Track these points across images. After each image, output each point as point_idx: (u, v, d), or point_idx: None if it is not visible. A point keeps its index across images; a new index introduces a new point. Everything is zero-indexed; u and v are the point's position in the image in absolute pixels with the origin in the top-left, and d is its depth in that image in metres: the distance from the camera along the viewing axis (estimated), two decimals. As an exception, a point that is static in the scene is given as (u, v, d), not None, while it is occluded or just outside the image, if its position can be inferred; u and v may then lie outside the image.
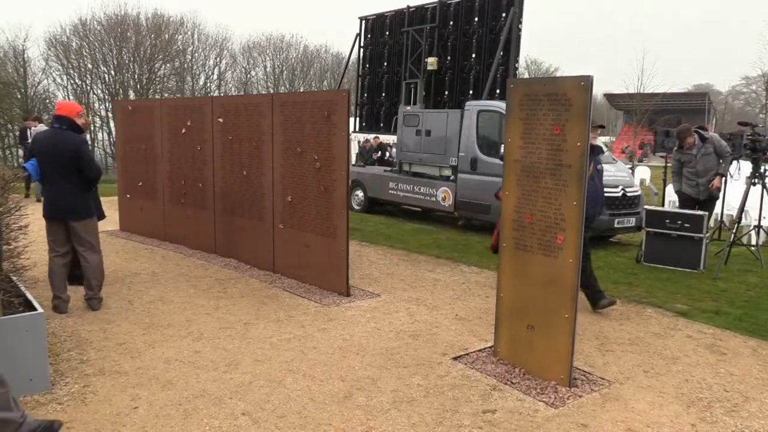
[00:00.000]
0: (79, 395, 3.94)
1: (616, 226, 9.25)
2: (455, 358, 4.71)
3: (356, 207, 13.36)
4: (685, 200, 8.46)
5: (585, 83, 3.90)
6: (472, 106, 10.68)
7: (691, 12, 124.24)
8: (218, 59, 44.91)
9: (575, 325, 4.10)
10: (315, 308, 5.96)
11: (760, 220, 8.39)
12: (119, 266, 7.51)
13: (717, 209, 8.93)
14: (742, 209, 8.09)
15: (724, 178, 8.30)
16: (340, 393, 4.05)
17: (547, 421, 3.70)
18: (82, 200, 5.56)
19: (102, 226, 8.53)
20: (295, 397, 3.96)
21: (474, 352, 4.83)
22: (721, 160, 8.13)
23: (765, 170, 7.99)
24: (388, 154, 17.33)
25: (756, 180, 7.90)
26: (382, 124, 14.54)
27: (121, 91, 37.67)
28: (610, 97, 56.04)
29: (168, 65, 40.80)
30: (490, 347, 4.83)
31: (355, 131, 15.21)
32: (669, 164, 9.50)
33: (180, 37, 42.22)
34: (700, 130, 8.33)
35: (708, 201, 8.28)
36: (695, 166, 8.21)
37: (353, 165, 14.46)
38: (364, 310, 5.90)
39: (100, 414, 3.69)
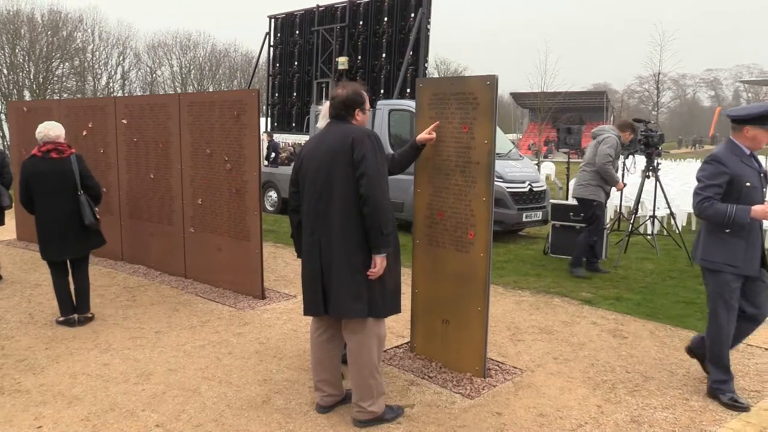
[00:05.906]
0: (-25, 417, 3.69)
1: (524, 220, 9.60)
2: (373, 356, 4.73)
3: (270, 208, 13.18)
4: None
5: (491, 82, 4.03)
6: (384, 105, 10.77)
7: (593, 13, 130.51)
8: (121, 58, 43.24)
9: (488, 317, 4.22)
10: (230, 313, 5.84)
11: (654, 210, 8.94)
12: (17, 277, 7.08)
13: (616, 201, 9.37)
14: (638, 201, 8.60)
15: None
16: (258, 398, 3.99)
17: (463, 412, 3.80)
18: None
19: (-4, 235, 8.02)
20: (211, 405, 3.87)
21: (391, 348, 4.87)
22: None
23: (658, 164, 8.50)
24: (284, 153, 16.74)
25: (650, 173, 8.40)
26: (294, 124, 14.41)
27: (15, 91, 35.45)
28: (516, 96, 58.14)
29: (67, 64, 38.83)
30: (406, 343, 4.90)
31: (266, 131, 15.00)
32: (572, 160, 9.93)
33: (79, 34, 40.31)
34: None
35: None
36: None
37: (265, 166, 14.25)
38: (280, 312, 5.83)
39: (-2, 436, 3.48)
